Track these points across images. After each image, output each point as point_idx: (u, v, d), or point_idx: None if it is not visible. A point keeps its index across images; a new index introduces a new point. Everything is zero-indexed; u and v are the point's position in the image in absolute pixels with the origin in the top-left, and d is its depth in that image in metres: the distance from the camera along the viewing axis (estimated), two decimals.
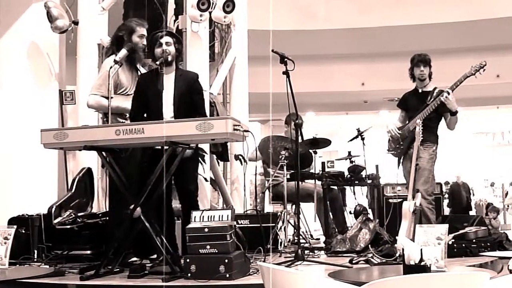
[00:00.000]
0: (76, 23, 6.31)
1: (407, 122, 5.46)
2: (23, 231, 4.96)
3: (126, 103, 4.65)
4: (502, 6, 11.24)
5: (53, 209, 5.01)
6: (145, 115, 4.53)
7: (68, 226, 4.96)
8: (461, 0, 11.52)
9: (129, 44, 4.64)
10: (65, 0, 6.64)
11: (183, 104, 4.49)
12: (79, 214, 5.16)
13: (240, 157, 6.30)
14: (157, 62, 4.45)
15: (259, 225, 5.07)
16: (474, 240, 4.98)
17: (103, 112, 4.80)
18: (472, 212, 13.50)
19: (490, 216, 8.96)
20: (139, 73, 4.84)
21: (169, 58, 4.51)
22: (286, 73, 4.64)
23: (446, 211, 12.76)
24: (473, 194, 15.64)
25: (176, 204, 4.78)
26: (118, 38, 4.75)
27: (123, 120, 4.67)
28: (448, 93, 5.11)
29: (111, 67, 4.43)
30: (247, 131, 4.13)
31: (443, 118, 5.39)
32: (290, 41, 9.51)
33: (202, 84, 4.83)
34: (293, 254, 4.59)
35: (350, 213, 6.27)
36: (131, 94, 4.70)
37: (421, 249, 3.27)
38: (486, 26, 11.44)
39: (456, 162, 17.16)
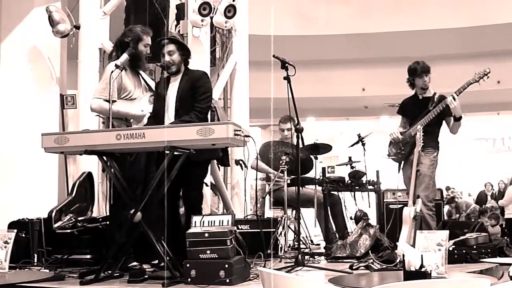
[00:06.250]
0: (77, 27, 6.33)
1: (408, 128, 5.45)
2: (23, 235, 4.97)
3: (128, 107, 4.63)
4: (502, 12, 11.25)
5: (53, 213, 5.01)
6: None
7: (68, 231, 4.96)
8: (462, 6, 11.53)
9: (130, 49, 4.61)
10: (67, 5, 6.66)
11: (185, 106, 4.50)
12: (79, 219, 5.16)
13: (241, 162, 6.30)
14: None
15: (259, 230, 5.06)
16: (474, 246, 4.97)
17: (106, 116, 4.79)
18: None
19: (488, 223, 8.89)
20: (140, 78, 4.85)
21: (174, 69, 4.59)
22: (287, 78, 4.63)
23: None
24: None
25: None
26: (123, 43, 4.74)
27: (127, 125, 4.66)
28: (454, 98, 5.07)
29: (112, 72, 4.43)
30: (248, 136, 4.13)
31: (444, 124, 5.37)
32: (291, 46, 9.53)
33: None
34: (293, 260, 4.58)
35: (351, 218, 6.25)
36: (134, 99, 4.70)
37: (422, 255, 3.26)
38: (486, 32, 11.45)
39: (456, 168, 17.13)
